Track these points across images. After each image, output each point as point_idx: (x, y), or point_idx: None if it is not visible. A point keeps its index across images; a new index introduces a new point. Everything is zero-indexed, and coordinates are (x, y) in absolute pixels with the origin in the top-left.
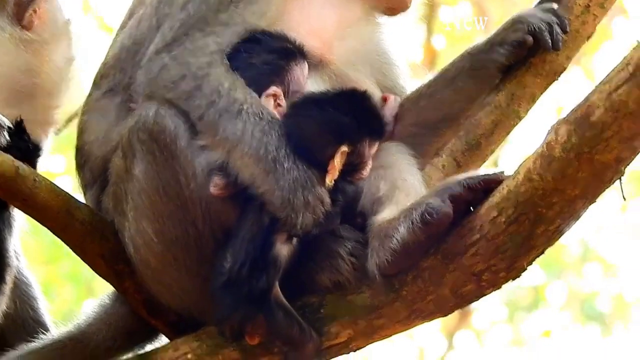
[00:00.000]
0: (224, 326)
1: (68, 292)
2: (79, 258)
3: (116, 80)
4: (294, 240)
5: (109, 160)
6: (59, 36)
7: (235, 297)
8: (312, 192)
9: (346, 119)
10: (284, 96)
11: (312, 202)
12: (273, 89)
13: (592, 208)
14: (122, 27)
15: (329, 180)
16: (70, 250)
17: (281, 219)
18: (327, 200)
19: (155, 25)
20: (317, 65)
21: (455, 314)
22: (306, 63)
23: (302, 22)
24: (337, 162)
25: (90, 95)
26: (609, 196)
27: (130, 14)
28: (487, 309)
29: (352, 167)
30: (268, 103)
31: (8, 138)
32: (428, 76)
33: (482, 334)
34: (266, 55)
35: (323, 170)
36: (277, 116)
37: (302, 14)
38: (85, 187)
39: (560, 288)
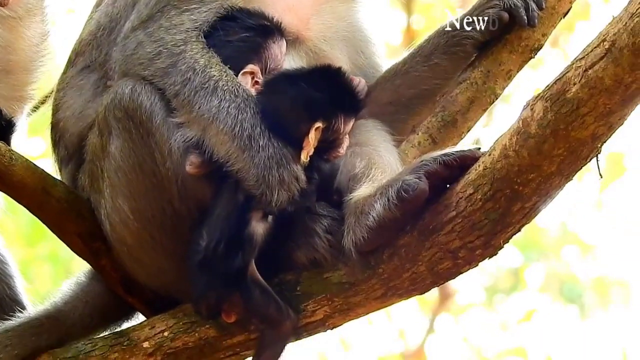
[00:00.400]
0: (200, 304)
1: (46, 273)
2: (57, 239)
3: (92, 57)
4: (270, 218)
5: (84, 136)
6: (34, 12)
7: (211, 275)
8: (287, 170)
9: (320, 94)
10: (262, 74)
11: (287, 179)
12: (250, 67)
13: (570, 189)
14: (98, 4)
15: (304, 156)
16: (49, 231)
17: (256, 197)
18: (302, 177)
19: (131, 3)
20: (294, 42)
21: (436, 297)
22: (284, 40)
23: None
24: (312, 138)
25: (65, 72)
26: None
27: None
28: (467, 292)
29: (328, 145)
30: (245, 81)
31: None
32: (404, 53)
33: (462, 316)
34: (243, 33)
35: (298, 148)
36: (253, 94)
37: None
38: (60, 164)
39: (539, 271)
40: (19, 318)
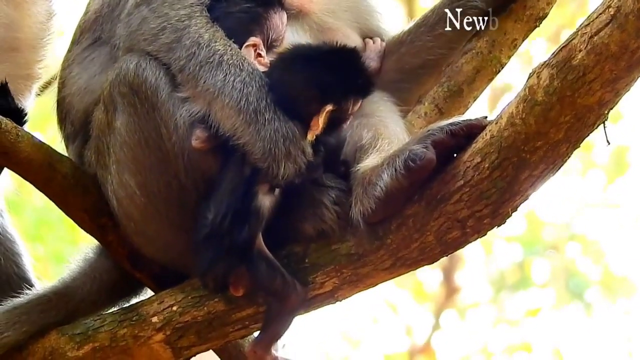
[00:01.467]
0: (207, 278)
1: (51, 274)
2: (62, 239)
3: (97, 34)
4: (277, 191)
5: (90, 112)
6: None
7: (218, 248)
8: (293, 143)
9: (334, 79)
10: (264, 45)
11: (294, 152)
12: (253, 39)
13: (575, 184)
14: None
15: (311, 136)
16: (53, 231)
17: (263, 170)
18: (309, 150)
19: None
20: (297, 15)
21: (441, 293)
22: (284, 11)
23: None
24: (321, 121)
25: (70, 50)
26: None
27: None
28: (472, 288)
29: (334, 122)
30: (248, 53)
31: None
32: (409, 24)
33: (468, 313)
34: (244, 4)
35: (306, 124)
36: (259, 67)
37: None
38: (67, 140)
39: (544, 266)
40: (27, 295)
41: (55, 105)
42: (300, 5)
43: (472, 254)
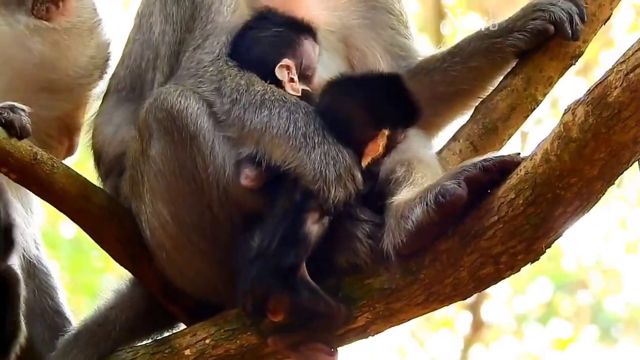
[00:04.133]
0: (246, 300)
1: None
2: (76, 269)
3: (125, 89)
4: (326, 219)
5: (122, 157)
6: (82, 27)
7: (261, 271)
8: (343, 166)
9: (390, 104)
10: (297, 70)
11: (344, 175)
12: (285, 60)
13: (598, 216)
14: (134, 30)
15: (367, 161)
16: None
17: (314, 193)
18: (359, 176)
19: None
20: (326, 39)
21: (468, 326)
22: (317, 43)
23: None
24: (380, 145)
25: (104, 101)
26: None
27: (139, 19)
28: (499, 321)
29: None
30: (282, 74)
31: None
32: (441, 50)
33: (493, 345)
34: (275, 28)
35: (358, 149)
36: (291, 92)
37: None
38: (103, 177)
39: (570, 300)
40: (72, 331)
41: (90, 148)
42: (315, 21)
43: (498, 287)
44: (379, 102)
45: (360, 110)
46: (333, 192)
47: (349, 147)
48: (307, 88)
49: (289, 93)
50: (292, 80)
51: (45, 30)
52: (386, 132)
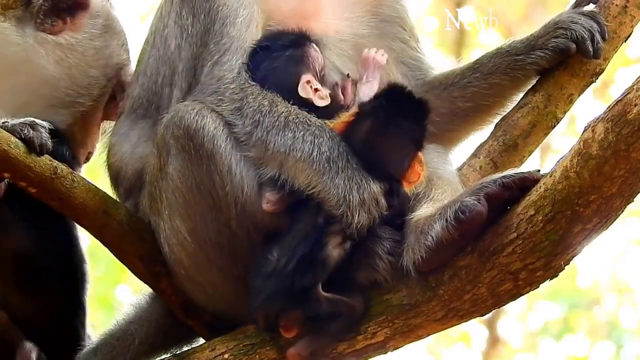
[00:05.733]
0: (259, 315)
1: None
2: (108, 283)
3: (142, 107)
4: (348, 244)
5: (141, 174)
6: (92, 49)
7: (277, 288)
8: (367, 191)
9: (417, 125)
10: (316, 79)
11: (368, 200)
12: (305, 77)
13: (614, 234)
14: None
15: (411, 187)
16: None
17: (337, 218)
18: (383, 201)
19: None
20: (327, 40)
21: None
22: (313, 43)
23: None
24: (419, 169)
25: (119, 119)
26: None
27: (153, 37)
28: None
29: None
30: (305, 91)
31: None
32: (460, 65)
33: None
34: (283, 52)
35: (389, 174)
36: (320, 102)
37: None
38: (123, 196)
39: (586, 317)
40: (91, 345)
41: (107, 168)
42: (326, 30)
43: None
44: (409, 125)
45: (396, 133)
46: (357, 217)
47: (379, 172)
48: (330, 90)
49: (313, 116)
50: (316, 90)
51: (49, 44)
52: (420, 153)
